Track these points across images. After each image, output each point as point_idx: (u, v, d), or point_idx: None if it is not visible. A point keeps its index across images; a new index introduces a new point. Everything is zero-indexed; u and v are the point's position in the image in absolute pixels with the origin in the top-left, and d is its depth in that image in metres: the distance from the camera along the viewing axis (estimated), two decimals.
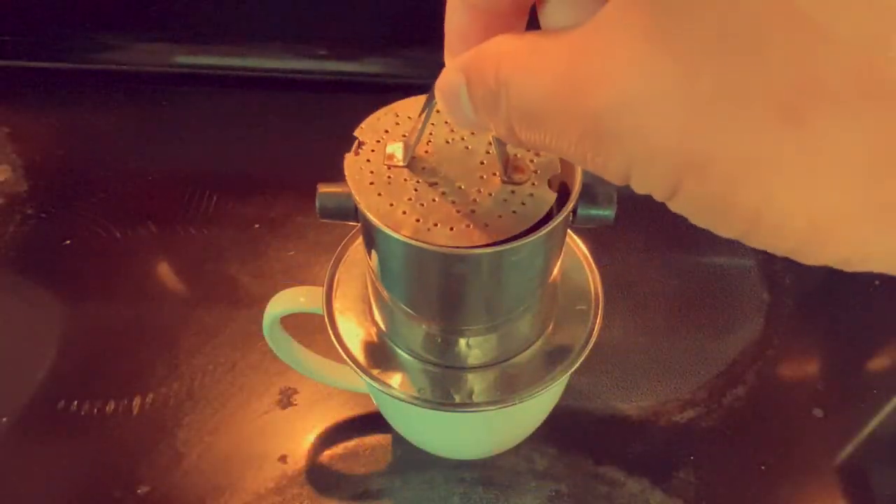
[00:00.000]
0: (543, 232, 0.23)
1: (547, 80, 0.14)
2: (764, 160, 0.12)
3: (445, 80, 0.17)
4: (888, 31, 0.10)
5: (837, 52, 0.11)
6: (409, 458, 0.39)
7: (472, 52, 0.16)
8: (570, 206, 0.24)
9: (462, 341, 0.28)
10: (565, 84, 0.14)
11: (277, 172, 0.53)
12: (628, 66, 0.12)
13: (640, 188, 0.14)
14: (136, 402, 0.41)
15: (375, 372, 0.29)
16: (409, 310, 0.27)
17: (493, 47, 0.16)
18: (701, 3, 0.11)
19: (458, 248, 0.23)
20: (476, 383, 0.29)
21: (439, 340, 0.28)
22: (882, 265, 0.13)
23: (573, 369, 0.29)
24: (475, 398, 0.28)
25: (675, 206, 0.14)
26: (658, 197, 0.14)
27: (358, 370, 0.29)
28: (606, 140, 0.13)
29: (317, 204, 0.26)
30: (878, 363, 0.43)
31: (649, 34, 0.12)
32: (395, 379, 0.29)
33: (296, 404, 0.41)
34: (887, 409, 0.41)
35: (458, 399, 0.28)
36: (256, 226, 0.50)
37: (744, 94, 0.11)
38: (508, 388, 0.29)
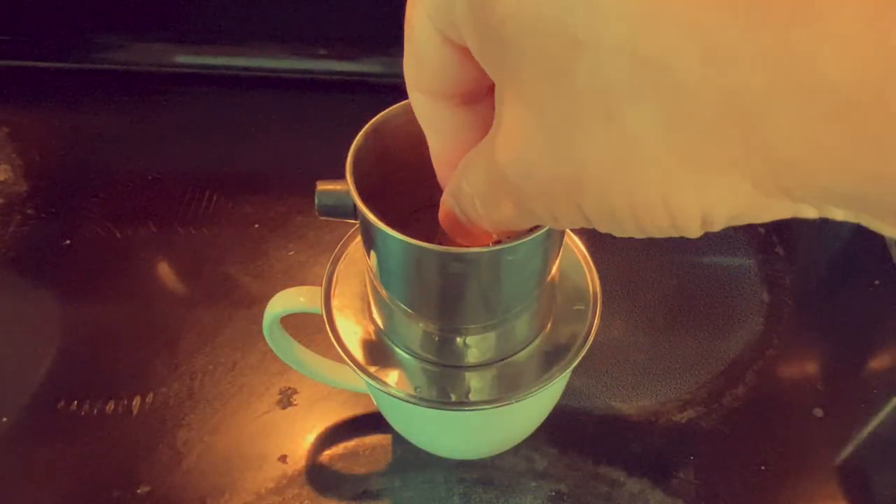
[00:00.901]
0: (541, 232, 0.23)
1: (485, 175, 0.18)
2: (609, 160, 0.14)
3: (443, 208, 0.21)
4: (637, 33, 0.13)
5: (616, 59, 0.13)
6: (409, 458, 0.39)
7: (453, 177, 0.21)
8: None
9: (460, 340, 0.28)
10: (492, 166, 0.17)
11: (277, 172, 0.53)
12: (514, 134, 0.16)
13: (569, 225, 0.17)
14: (136, 402, 0.41)
15: (373, 370, 0.29)
16: (407, 308, 0.27)
17: (462, 166, 0.20)
18: (531, 74, 0.15)
19: (455, 247, 0.23)
20: (473, 382, 0.29)
21: (437, 339, 0.28)
22: (734, 217, 0.15)
23: (570, 369, 0.29)
24: (472, 397, 0.28)
25: (600, 228, 0.16)
26: (587, 226, 0.17)
27: (355, 368, 0.29)
28: (523, 195, 0.17)
29: (315, 201, 0.26)
30: (878, 363, 0.43)
31: (517, 111, 0.16)
32: (393, 377, 0.29)
33: (296, 404, 0.41)
34: (887, 409, 0.41)
35: (455, 398, 0.28)
36: (256, 226, 0.50)
37: (575, 114, 0.14)
38: (506, 387, 0.28)
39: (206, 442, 0.40)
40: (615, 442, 0.40)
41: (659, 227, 0.15)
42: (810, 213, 0.14)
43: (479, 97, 0.20)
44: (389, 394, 0.28)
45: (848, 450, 0.39)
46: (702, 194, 0.14)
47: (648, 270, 0.47)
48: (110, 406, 0.41)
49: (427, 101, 0.20)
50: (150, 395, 0.41)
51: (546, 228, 0.23)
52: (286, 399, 0.41)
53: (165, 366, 0.43)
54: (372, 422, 0.40)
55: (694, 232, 0.15)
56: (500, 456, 0.39)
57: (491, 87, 0.20)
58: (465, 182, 0.19)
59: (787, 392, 0.42)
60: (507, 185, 0.17)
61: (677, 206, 0.14)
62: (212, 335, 0.44)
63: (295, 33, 0.58)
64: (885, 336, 0.45)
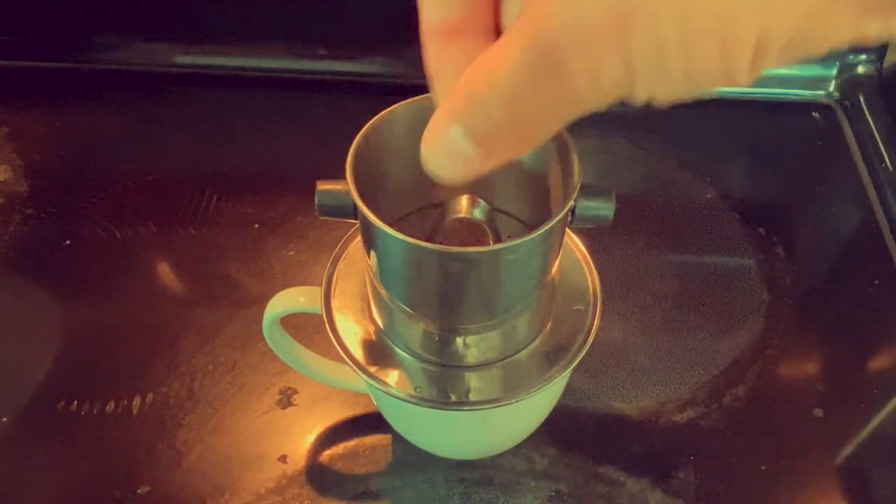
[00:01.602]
0: (541, 232, 0.23)
1: (518, 50, 0.16)
2: None
3: (436, 135, 0.18)
4: None
5: None
6: (409, 458, 0.39)
7: (458, 84, 0.17)
8: (568, 205, 0.24)
9: (459, 340, 0.28)
10: (524, 36, 0.16)
11: (277, 172, 0.53)
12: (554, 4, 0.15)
13: (610, 85, 0.16)
14: (136, 402, 0.41)
15: (373, 370, 0.29)
16: (407, 308, 0.27)
17: (475, 66, 0.17)
18: None
19: (455, 246, 0.23)
20: (473, 382, 0.29)
21: (437, 339, 0.28)
22: (791, 42, 0.14)
23: (570, 369, 0.29)
24: (472, 397, 0.28)
25: (640, 85, 0.16)
26: (626, 85, 0.16)
27: (355, 368, 0.29)
28: (563, 52, 0.15)
29: (316, 201, 0.26)
30: (878, 363, 0.43)
31: None
32: (393, 377, 0.29)
33: (296, 404, 0.41)
34: (887, 409, 0.41)
35: (454, 398, 0.28)
36: (256, 226, 0.50)
37: None
38: (506, 387, 0.28)
39: (206, 442, 0.40)
40: (615, 442, 0.40)
41: (707, 60, 0.15)
42: (873, 29, 0.14)
43: (488, 29, 0.20)
44: (389, 394, 0.28)
45: (848, 450, 0.39)
46: (760, 4, 0.14)
47: (648, 270, 0.47)
48: (110, 406, 0.41)
49: (441, 46, 0.19)
50: (150, 395, 0.41)
51: (546, 228, 0.23)
52: (286, 399, 0.41)
53: (165, 366, 0.43)
54: (372, 422, 0.40)
55: (743, 67, 0.15)
56: (500, 456, 0.39)
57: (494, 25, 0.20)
58: (482, 87, 0.17)
59: (787, 392, 0.42)
60: (547, 53, 0.16)
61: (732, 26, 0.14)
62: (212, 335, 0.44)
63: (295, 33, 0.58)
64: (885, 336, 0.45)
